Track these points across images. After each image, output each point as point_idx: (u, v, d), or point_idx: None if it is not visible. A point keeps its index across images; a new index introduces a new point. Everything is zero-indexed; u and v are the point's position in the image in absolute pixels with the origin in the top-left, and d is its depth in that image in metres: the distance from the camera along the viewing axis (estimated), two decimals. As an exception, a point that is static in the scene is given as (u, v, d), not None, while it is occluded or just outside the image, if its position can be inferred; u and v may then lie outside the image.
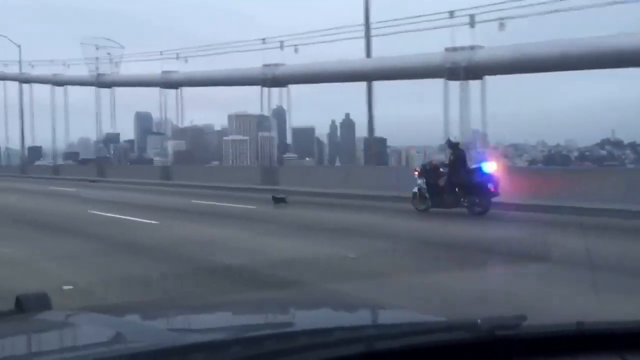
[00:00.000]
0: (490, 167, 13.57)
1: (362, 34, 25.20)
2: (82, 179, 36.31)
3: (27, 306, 1.97)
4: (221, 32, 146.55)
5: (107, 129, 46.46)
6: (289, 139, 69.43)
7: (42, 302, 2.01)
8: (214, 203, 18.57)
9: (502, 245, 9.23)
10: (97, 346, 1.63)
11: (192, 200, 19.54)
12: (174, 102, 35.42)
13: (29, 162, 53.50)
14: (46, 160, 53.51)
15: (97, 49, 40.10)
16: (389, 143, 57.18)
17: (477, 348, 1.45)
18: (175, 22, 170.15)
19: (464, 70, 20.46)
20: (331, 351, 1.35)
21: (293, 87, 28.78)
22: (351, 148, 75.96)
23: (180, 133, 46.54)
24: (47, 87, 47.51)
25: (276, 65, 27.96)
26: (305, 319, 2.14)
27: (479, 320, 1.48)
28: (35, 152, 57.02)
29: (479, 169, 13.57)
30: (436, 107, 22.58)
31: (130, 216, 14.71)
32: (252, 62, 33.95)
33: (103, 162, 43.66)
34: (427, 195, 13.90)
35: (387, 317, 2.18)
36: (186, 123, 37.39)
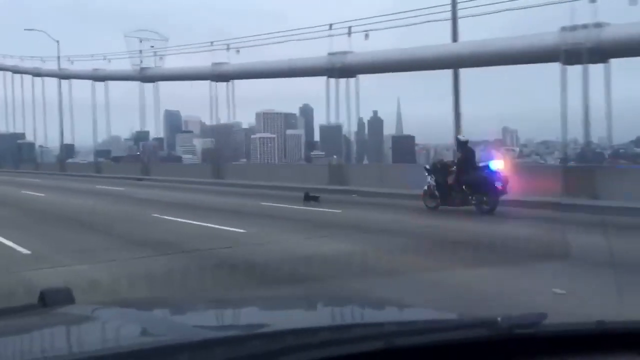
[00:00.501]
0: (498, 164, 13.66)
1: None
2: (126, 177, 34.19)
3: (51, 300, 2.00)
4: (255, 29, 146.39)
5: (137, 127, 47.25)
6: (316, 137, 69.69)
7: (65, 296, 2.05)
8: (289, 206, 15.93)
9: (509, 243, 9.14)
10: (117, 340, 1.66)
11: (261, 203, 17.16)
12: (208, 98, 33.75)
13: (62, 160, 54.44)
14: (79, 157, 54.45)
15: (140, 41, 38.45)
16: (417, 141, 56.74)
17: (496, 346, 1.45)
18: (208, 22, 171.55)
19: (588, 52, 17.70)
20: (351, 347, 1.36)
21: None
22: (379, 146, 75.67)
23: (208, 131, 46.73)
24: (80, 85, 47.67)
25: (344, 53, 25.00)
26: (325, 315, 2.16)
27: (498, 318, 1.47)
28: (68, 150, 57.98)
29: (487, 167, 13.64)
30: (464, 104, 21.81)
31: (204, 222, 12.36)
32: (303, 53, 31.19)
33: (148, 160, 41.81)
34: (436, 193, 14.15)
35: (406, 314, 2.19)
36: (214, 121, 36.79)
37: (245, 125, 61.12)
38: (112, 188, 25.77)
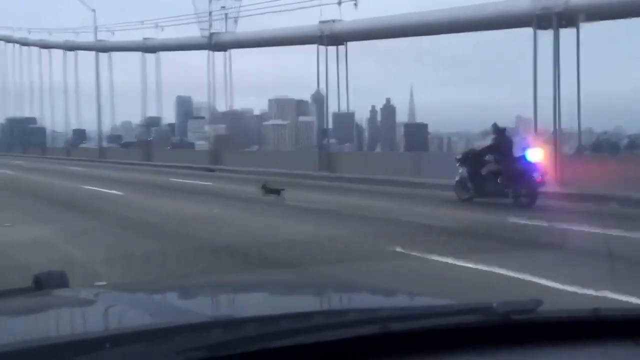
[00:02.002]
0: (536, 154, 13.07)
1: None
2: (190, 166, 29.43)
3: (46, 284, 2.02)
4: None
5: (151, 111, 47.08)
6: (329, 124, 69.43)
7: (60, 280, 2.07)
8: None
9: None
10: (112, 323, 1.72)
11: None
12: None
13: (73, 145, 54.67)
14: (91, 143, 54.64)
15: (210, 1, 32.76)
16: (429, 129, 56.50)
17: (492, 332, 1.45)
18: None
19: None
20: (346, 331, 1.37)
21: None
22: (391, 134, 75.41)
23: (220, 117, 46.65)
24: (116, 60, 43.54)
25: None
26: (320, 300, 2.20)
27: (494, 304, 1.47)
28: (80, 135, 58.26)
29: (524, 157, 13.02)
30: (475, 91, 21.61)
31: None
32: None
33: (220, 147, 36.26)
34: (469, 184, 13.62)
35: (402, 299, 2.23)
36: (225, 107, 36.55)
37: (257, 112, 61.09)
38: (197, 182, 21.08)
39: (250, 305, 1.98)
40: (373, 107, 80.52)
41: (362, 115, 71.99)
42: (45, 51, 53.47)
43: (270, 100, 61.46)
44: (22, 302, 1.99)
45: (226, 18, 32.55)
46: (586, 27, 19.02)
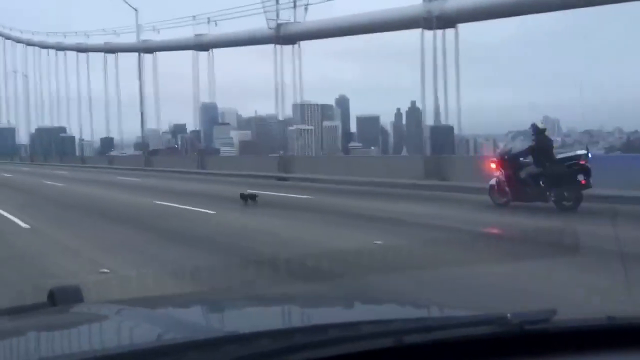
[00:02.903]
0: (581, 156, 12.56)
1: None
2: (254, 174, 26.15)
3: (60, 299, 2.04)
4: None
5: (175, 119, 47.38)
6: (353, 128, 69.39)
7: (74, 295, 2.09)
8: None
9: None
10: (127, 338, 1.73)
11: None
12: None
13: (102, 153, 55.44)
14: (117, 150, 55.38)
15: None
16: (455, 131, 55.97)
17: (507, 342, 1.45)
18: None
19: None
20: (360, 345, 1.38)
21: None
22: (418, 137, 74.92)
23: (245, 123, 46.87)
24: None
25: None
26: (333, 312, 2.21)
27: (508, 315, 1.48)
28: (108, 143, 59.08)
29: (567, 159, 12.62)
30: (505, 92, 21.36)
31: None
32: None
33: (287, 156, 31.47)
34: (506, 188, 13.05)
35: (415, 310, 2.24)
36: (250, 113, 36.51)
37: (281, 117, 61.24)
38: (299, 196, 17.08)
39: (263, 320, 1.99)
40: (398, 109, 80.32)
41: (386, 119, 71.76)
42: (71, 59, 54.24)
43: (294, 105, 61.60)
44: (39, 320, 2.01)
45: (295, 5, 28.26)
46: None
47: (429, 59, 24.42)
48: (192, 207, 13.81)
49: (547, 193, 12.46)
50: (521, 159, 13.24)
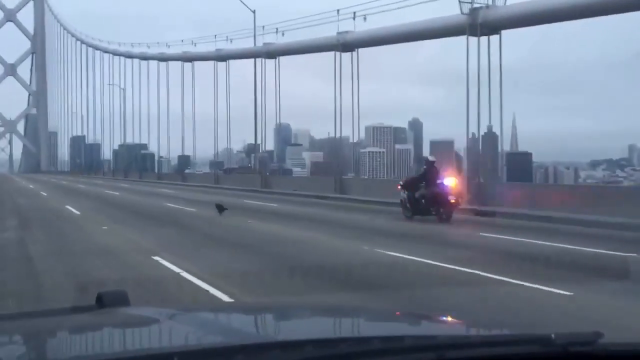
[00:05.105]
0: (452, 182, 16.53)
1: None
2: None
3: (108, 302, 2.15)
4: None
5: (250, 138, 48.08)
6: (426, 152, 68.54)
7: (121, 299, 2.19)
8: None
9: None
10: (167, 341, 1.81)
11: None
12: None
13: (179, 170, 57.09)
14: (193, 168, 56.97)
15: None
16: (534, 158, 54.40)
17: None
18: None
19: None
20: (402, 358, 1.41)
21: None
22: (494, 163, 73.11)
23: (317, 144, 47.21)
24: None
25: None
26: (378, 325, 2.22)
27: (552, 335, 1.46)
28: (185, 161, 60.80)
29: (442, 184, 16.29)
30: (582, 121, 20.48)
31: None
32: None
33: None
34: (408, 205, 16.92)
35: (460, 327, 2.26)
36: (323, 134, 36.80)
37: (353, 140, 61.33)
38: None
39: (311, 328, 2.03)
40: (473, 134, 78.77)
41: (460, 144, 70.54)
42: (153, 73, 56.35)
43: (367, 128, 61.70)
44: (87, 320, 2.10)
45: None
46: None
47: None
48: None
49: (430, 209, 16.25)
50: (419, 183, 16.90)
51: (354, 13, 28.89)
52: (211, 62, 44.88)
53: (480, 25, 22.42)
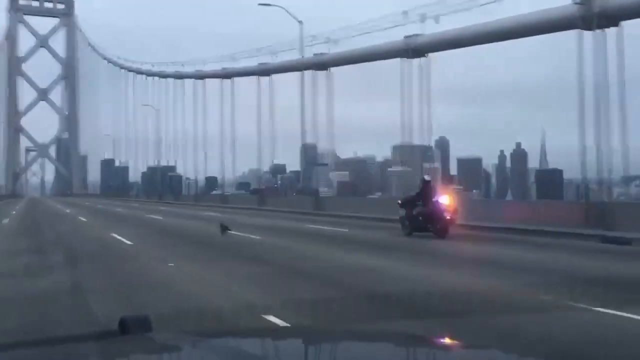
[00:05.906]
0: (447, 199, 17.13)
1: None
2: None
3: (130, 327, 2.12)
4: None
5: (275, 159, 48.07)
6: (454, 170, 67.86)
7: (143, 324, 2.16)
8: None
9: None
10: None
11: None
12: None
13: (206, 192, 57.29)
14: (220, 189, 57.01)
15: None
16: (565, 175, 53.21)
17: None
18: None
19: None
20: None
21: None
22: (523, 180, 71.98)
23: (343, 164, 46.98)
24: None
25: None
26: (426, 354, 2.16)
27: None
28: (212, 182, 61.05)
29: (437, 202, 16.91)
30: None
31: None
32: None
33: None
34: (406, 222, 17.53)
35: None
36: (349, 154, 36.52)
37: (379, 159, 60.96)
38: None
39: (343, 357, 2.01)
40: (501, 151, 77.75)
41: (488, 161, 69.60)
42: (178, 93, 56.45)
43: (393, 147, 61.26)
44: (109, 348, 2.09)
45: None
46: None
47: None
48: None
49: (428, 225, 16.97)
50: (416, 201, 17.58)
51: (424, 14, 26.79)
52: (248, 79, 43.64)
53: (597, 16, 19.13)
